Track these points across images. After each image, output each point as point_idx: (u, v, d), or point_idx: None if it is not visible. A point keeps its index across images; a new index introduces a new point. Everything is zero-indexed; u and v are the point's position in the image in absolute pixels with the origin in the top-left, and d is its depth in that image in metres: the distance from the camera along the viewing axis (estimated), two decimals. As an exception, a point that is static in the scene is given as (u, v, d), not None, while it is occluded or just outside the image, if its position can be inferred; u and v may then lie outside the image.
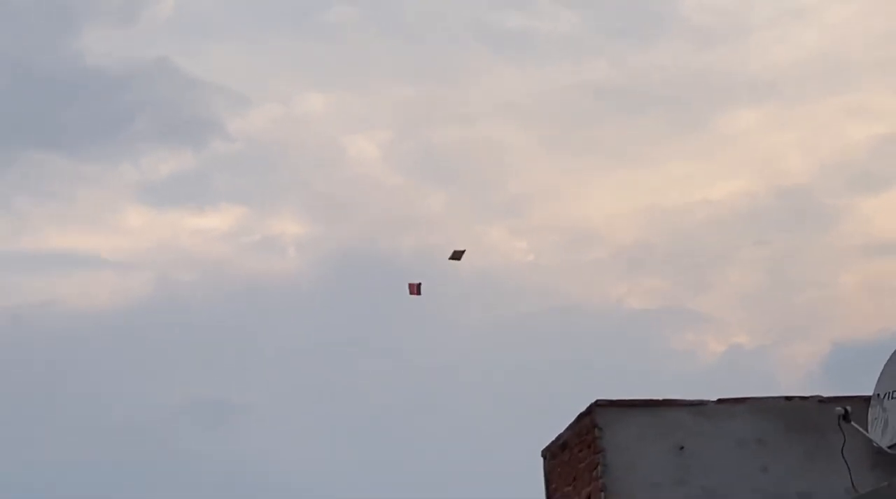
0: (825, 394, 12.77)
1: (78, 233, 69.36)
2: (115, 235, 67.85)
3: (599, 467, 12.51)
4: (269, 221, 71.09)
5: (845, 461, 11.90)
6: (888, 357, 12.26)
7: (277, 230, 70.65)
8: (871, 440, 12.11)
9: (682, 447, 12.47)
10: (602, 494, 12.39)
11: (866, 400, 12.35)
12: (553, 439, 13.80)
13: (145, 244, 67.82)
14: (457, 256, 18.73)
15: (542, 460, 14.17)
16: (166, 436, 63.87)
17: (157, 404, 62.13)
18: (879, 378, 12.28)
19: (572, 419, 13.20)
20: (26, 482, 51.10)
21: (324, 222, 71.33)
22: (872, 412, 12.23)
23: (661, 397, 12.78)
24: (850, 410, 12.05)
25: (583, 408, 12.87)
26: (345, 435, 60.84)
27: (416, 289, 19.21)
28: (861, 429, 12.05)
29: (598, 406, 12.65)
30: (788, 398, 12.81)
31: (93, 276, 68.37)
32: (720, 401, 12.74)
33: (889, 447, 11.99)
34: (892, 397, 12.19)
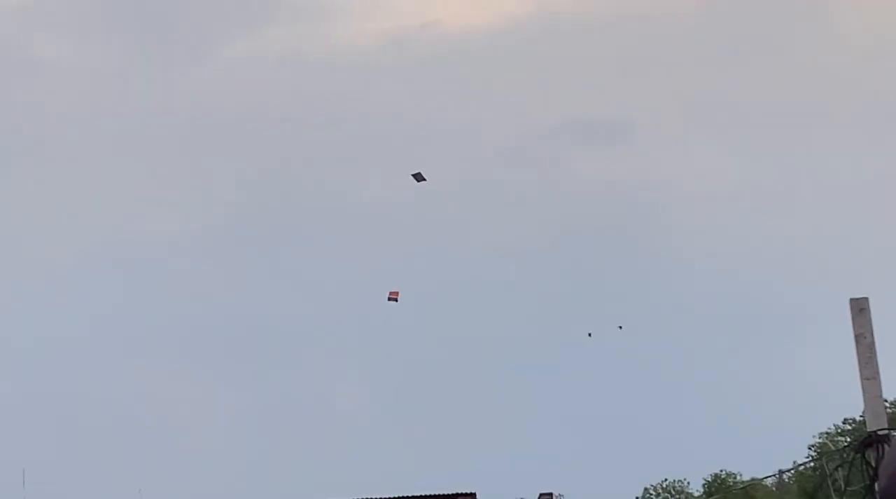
0: None
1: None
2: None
3: None
4: None
5: None
6: None
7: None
8: None
9: None
10: None
11: None
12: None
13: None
14: (419, 178, 20.85)
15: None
16: (545, 156, 63.13)
17: (534, 124, 61.03)
18: None
19: None
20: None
21: None
22: None
23: None
24: None
25: None
26: (723, 147, 57.92)
27: (395, 296, 22.74)
28: None
29: None
30: None
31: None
32: None
33: None
34: None
